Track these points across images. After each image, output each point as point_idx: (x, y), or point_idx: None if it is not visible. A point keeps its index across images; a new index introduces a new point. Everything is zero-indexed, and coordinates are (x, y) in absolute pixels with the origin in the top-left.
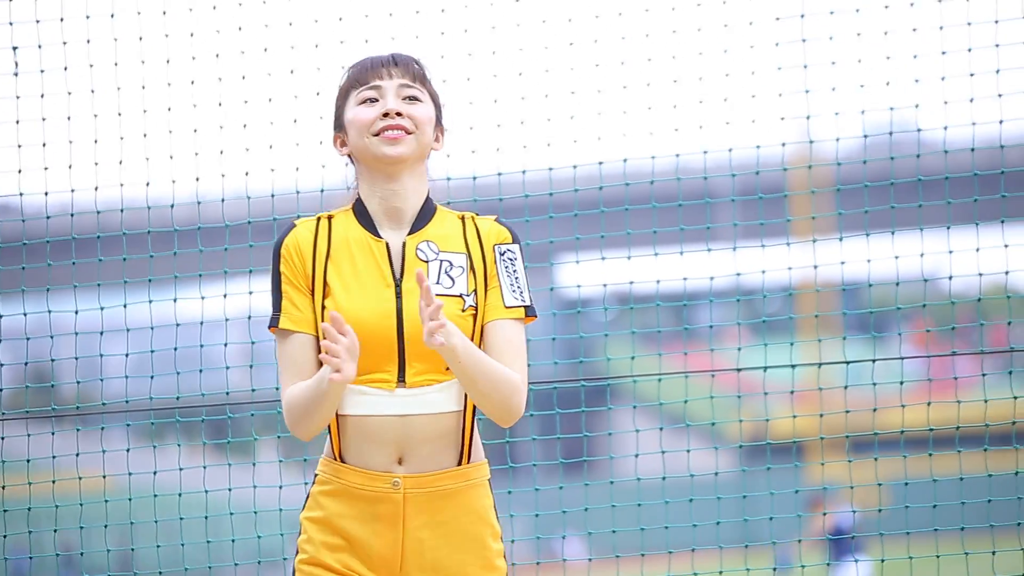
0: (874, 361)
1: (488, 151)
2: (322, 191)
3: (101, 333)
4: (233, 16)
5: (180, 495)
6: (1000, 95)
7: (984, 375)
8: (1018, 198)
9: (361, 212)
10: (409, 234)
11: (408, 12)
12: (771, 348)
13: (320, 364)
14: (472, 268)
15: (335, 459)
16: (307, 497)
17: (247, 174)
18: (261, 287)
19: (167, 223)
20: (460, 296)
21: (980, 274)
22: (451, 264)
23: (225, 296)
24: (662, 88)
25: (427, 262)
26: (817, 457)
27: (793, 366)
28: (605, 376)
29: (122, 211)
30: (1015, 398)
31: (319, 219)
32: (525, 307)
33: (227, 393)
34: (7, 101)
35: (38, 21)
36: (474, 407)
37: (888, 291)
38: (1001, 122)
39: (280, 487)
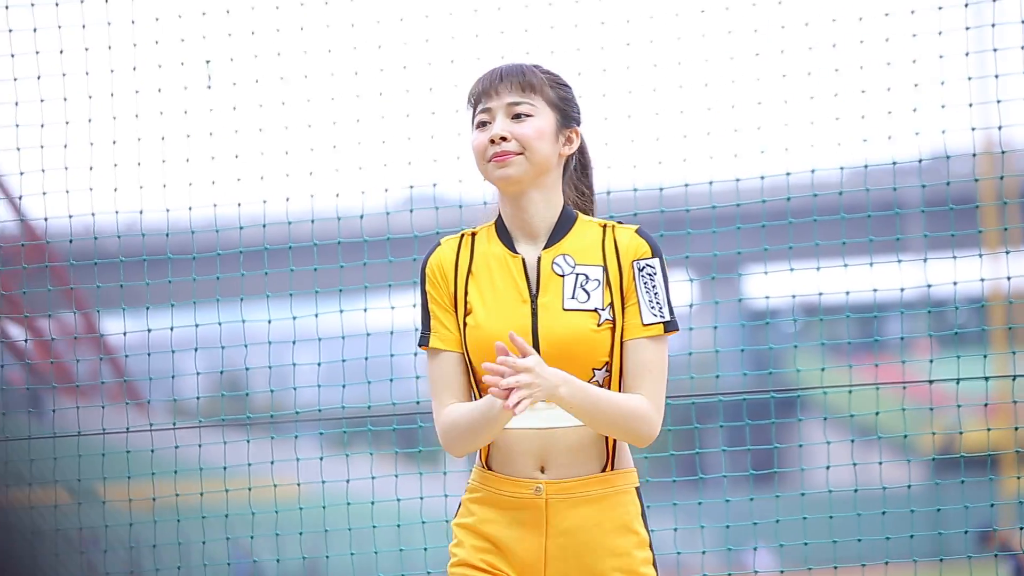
0: None
1: (674, 162)
2: None
3: (293, 342)
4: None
5: (373, 503)
6: None
7: None
8: None
9: (501, 227)
10: (545, 247)
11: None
12: (963, 360)
13: (467, 381)
14: (608, 282)
15: (483, 467)
16: (459, 505)
17: (435, 185)
18: None
19: (357, 234)
20: (595, 310)
21: None
22: (587, 278)
23: (415, 306)
24: (850, 99)
25: (563, 276)
26: (1011, 470)
27: (987, 378)
28: (795, 387)
29: (312, 222)
30: None
31: (462, 236)
32: (664, 323)
33: (417, 402)
34: (202, 113)
35: (229, 35)
36: None
37: None
38: None
39: None
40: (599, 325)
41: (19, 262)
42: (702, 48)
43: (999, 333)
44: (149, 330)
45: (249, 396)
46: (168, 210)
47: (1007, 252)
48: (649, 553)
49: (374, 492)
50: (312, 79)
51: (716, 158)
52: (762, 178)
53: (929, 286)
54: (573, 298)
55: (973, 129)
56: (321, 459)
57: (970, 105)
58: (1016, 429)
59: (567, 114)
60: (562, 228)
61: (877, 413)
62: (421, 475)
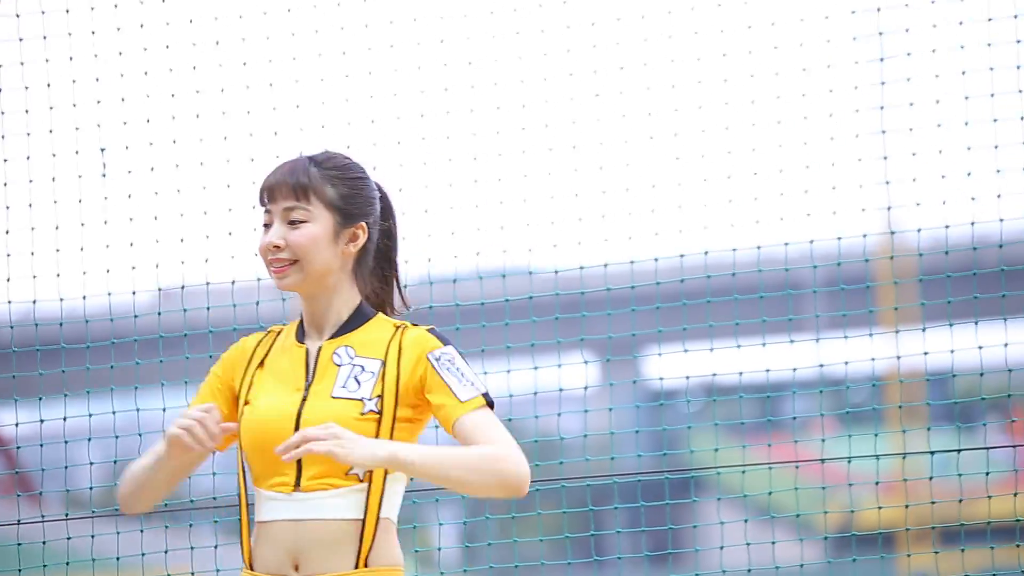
0: (959, 451)
1: (570, 245)
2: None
3: None
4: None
5: None
6: None
7: None
8: None
9: (301, 321)
10: (328, 339)
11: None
12: (856, 438)
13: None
14: (384, 376)
15: (246, 567)
16: None
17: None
18: None
19: (253, 320)
20: (361, 400)
21: None
22: (363, 369)
23: None
24: (742, 180)
25: (339, 366)
26: (904, 548)
27: (878, 456)
28: (689, 468)
29: (208, 309)
30: None
31: (268, 331)
32: (483, 394)
33: None
34: (97, 202)
35: (125, 123)
36: (377, 516)
37: (972, 381)
38: None
39: None
40: (362, 414)
41: None
42: (596, 131)
43: (892, 411)
44: (42, 421)
45: None
46: (62, 299)
47: (898, 331)
48: None
49: None
50: (208, 166)
51: (610, 240)
52: (656, 260)
53: (822, 365)
54: (344, 387)
55: (863, 210)
56: (216, 547)
57: (860, 186)
58: (907, 507)
59: (348, 213)
60: (352, 323)
61: (770, 492)
62: None
